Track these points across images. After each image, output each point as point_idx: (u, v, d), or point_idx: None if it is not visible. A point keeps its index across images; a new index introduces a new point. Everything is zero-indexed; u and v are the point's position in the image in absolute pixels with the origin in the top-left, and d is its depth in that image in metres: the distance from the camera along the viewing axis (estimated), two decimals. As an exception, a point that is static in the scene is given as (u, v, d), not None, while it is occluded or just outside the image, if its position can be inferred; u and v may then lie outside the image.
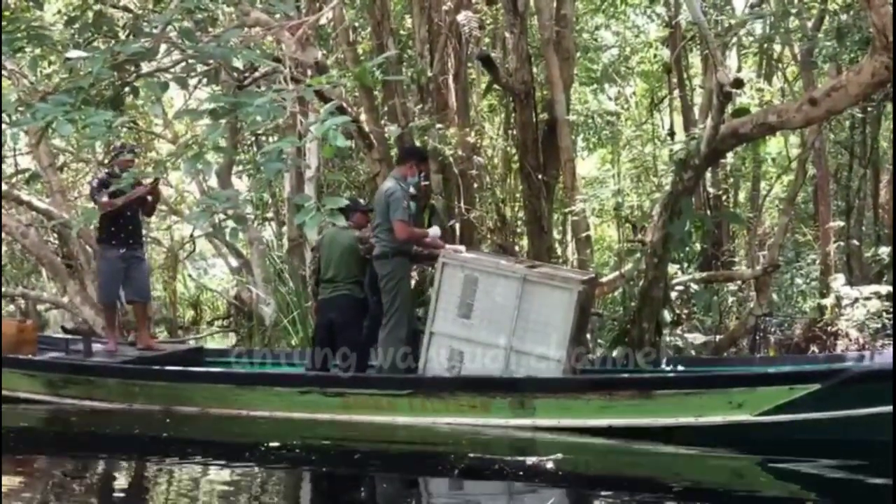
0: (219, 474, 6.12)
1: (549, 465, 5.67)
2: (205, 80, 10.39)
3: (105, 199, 8.14)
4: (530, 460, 5.77)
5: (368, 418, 7.10)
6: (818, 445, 6.03)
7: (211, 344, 13.83)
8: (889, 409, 5.76)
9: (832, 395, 6.04)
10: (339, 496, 5.67)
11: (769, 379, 6.52)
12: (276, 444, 6.53)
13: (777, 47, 13.20)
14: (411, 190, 7.74)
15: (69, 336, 9.56)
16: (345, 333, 7.95)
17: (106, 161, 9.18)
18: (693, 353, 9.67)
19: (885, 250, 11.75)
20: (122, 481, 6.08)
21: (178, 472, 6.16)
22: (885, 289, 9.98)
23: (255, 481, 5.94)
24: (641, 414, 6.51)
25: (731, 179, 14.51)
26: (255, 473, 6.12)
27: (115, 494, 5.61)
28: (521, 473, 5.59)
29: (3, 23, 6.11)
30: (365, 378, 7.44)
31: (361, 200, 8.97)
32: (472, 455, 6.21)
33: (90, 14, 7.15)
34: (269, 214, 15.69)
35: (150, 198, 8.74)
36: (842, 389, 6.03)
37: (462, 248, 8.09)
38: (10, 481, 5.68)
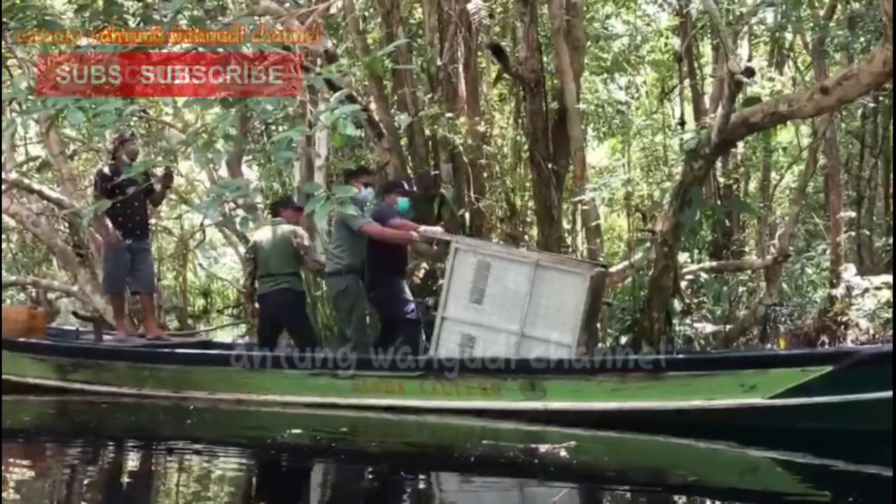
0: (228, 465, 6.13)
1: (563, 452, 5.68)
2: (215, 69, 10.38)
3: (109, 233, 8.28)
4: (543, 447, 5.78)
5: (379, 401, 7.11)
6: (831, 434, 6.00)
7: (221, 333, 13.89)
8: None
9: (844, 378, 6.01)
10: (352, 486, 5.67)
11: (781, 361, 6.50)
12: (286, 432, 6.56)
13: (788, 36, 13.14)
14: (370, 204, 7.93)
15: (79, 328, 9.59)
16: (294, 328, 8.15)
17: (111, 149, 9.10)
18: (702, 342, 9.67)
19: (895, 240, 11.72)
20: (130, 473, 6.08)
21: (187, 464, 6.15)
22: (895, 278, 9.95)
23: (265, 472, 5.94)
24: (652, 396, 6.49)
25: (742, 169, 14.49)
26: (266, 463, 6.12)
27: (123, 487, 5.61)
28: (535, 461, 5.60)
29: (14, 11, 6.12)
30: (376, 359, 7.42)
31: (295, 198, 9.07)
32: (485, 442, 6.24)
33: (100, 2, 7.15)
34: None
35: (158, 186, 8.73)
36: (854, 372, 6.00)
37: (438, 229, 8.16)
38: (18, 471, 5.70)
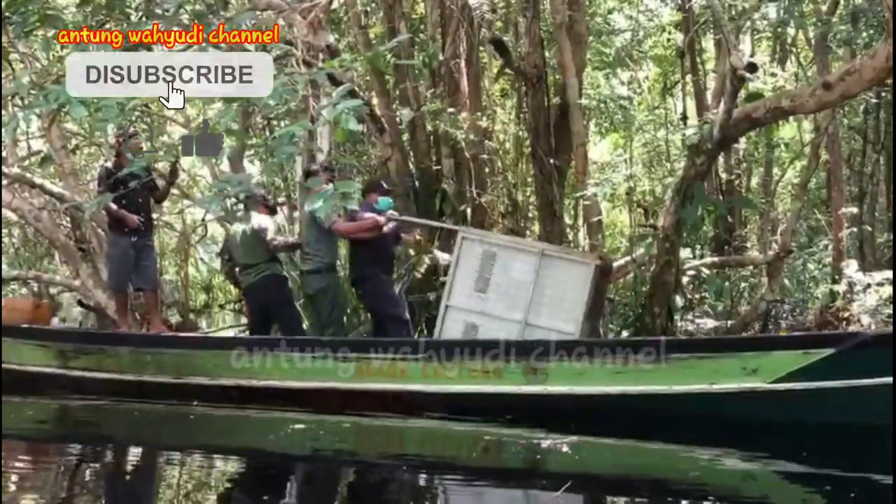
0: (228, 465, 6.12)
1: (565, 448, 5.68)
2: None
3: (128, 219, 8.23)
4: (546, 443, 5.78)
5: (382, 386, 7.08)
6: (833, 429, 5.96)
7: (222, 333, 13.89)
8: None
9: (847, 361, 5.99)
10: (353, 483, 5.68)
11: (784, 343, 6.49)
12: (289, 429, 6.55)
13: (791, 31, 13.11)
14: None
15: (81, 324, 9.63)
16: (280, 313, 8.18)
17: (114, 144, 9.07)
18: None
19: (898, 236, 11.70)
20: (130, 473, 6.06)
21: (187, 465, 6.08)
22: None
23: (265, 472, 5.91)
24: (654, 380, 6.47)
25: (744, 164, 14.48)
26: (266, 464, 6.08)
27: (124, 488, 5.59)
28: (537, 457, 5.60)
29: (16, 5, 6.11)
30: (378, 341, 7.39)
31: (259, 191, 9.09)
32: (487, 438, 6.25)
33: (102, -3, 7.14)
34: (281, 199, 15.68)
35: (161, 182, 8.73)
36: (856, 355, 5.98)
37: (409, 218, 8.29)
38: (20, 469, 5.71)
